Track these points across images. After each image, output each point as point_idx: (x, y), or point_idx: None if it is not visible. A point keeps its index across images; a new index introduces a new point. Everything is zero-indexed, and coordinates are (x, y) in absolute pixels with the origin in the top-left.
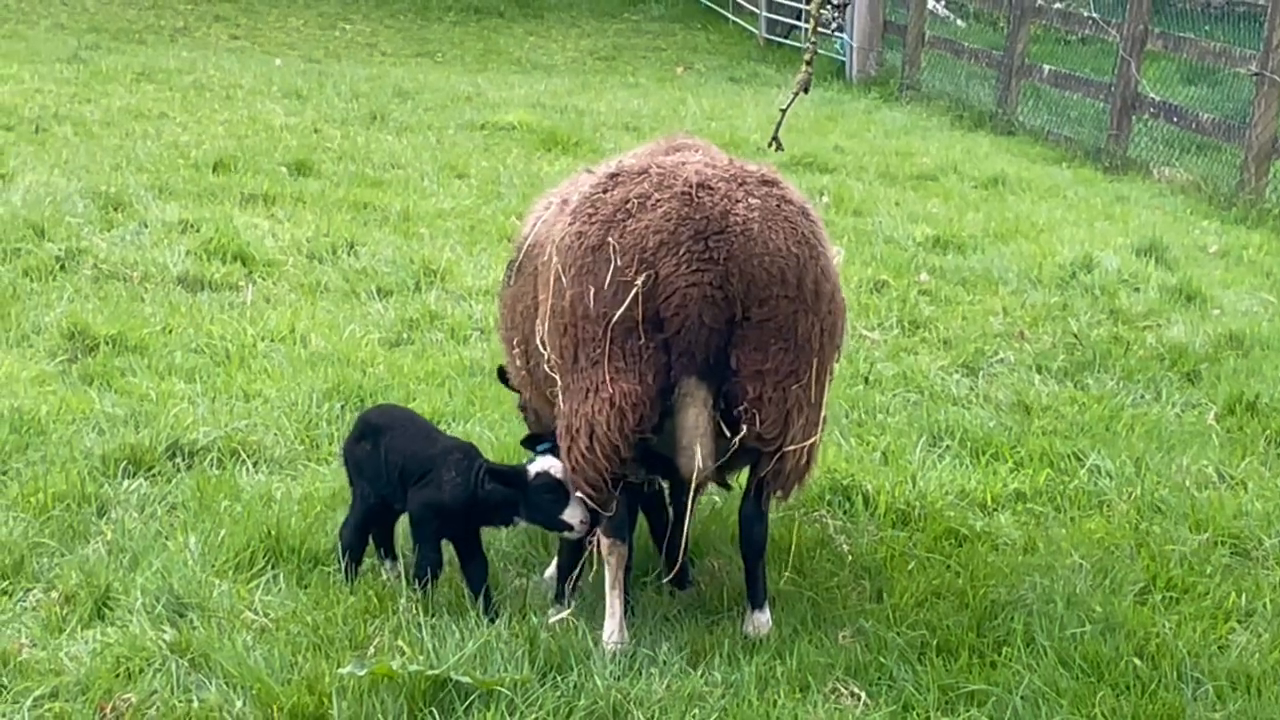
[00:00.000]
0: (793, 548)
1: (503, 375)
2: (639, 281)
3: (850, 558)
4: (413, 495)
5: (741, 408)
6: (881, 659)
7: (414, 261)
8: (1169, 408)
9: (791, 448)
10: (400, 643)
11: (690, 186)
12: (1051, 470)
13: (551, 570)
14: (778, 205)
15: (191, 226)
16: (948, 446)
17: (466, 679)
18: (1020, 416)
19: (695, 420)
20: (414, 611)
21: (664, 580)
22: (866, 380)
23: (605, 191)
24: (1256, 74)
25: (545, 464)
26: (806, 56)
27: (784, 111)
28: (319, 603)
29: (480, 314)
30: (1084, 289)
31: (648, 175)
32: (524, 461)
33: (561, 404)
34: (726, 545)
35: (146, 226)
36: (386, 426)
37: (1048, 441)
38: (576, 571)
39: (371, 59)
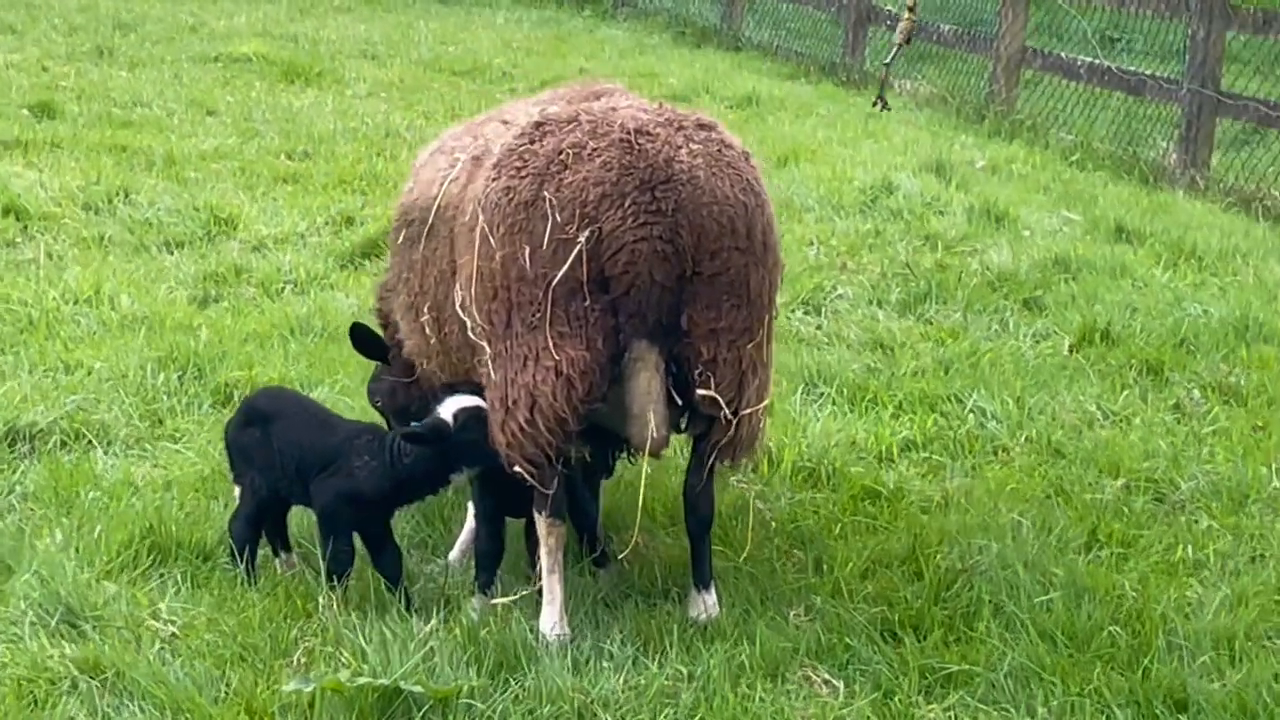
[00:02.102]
0: (750, 523)
1: (356, 338)
2: (581, 238)
3: (774, 524)
4: (320, 488)
5: (696, 371)
6: (847, 640)
7: (198, 209)
8: (1022, 340)
9: (748, 411)
10: (335, 650)
11: (629, 133)
12: (936, 415)
13: (456, 554)
14: (719, 150)
15: None
16: (824, 394)
17: (418, 688)
18: (882, 356)
19: (648, 386)
20: (338, 613)
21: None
22: None
23: (532, 142)
24: None
25: (454, 403)
26: (909, 2)
27: (888, 67)
28: (225, 606)
29: (289, 265)
30: (890, 214)
31: (578, 123)
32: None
33: (492, 374)
34: (650, 519)
35: None
36: (276, 414)
37: (923, 384)
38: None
39: None
